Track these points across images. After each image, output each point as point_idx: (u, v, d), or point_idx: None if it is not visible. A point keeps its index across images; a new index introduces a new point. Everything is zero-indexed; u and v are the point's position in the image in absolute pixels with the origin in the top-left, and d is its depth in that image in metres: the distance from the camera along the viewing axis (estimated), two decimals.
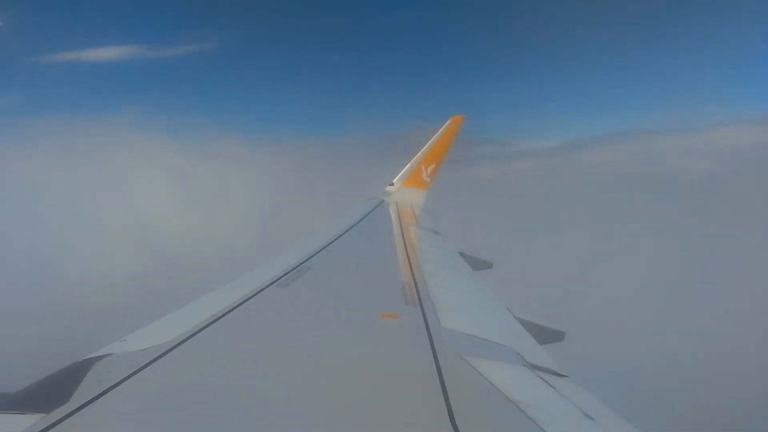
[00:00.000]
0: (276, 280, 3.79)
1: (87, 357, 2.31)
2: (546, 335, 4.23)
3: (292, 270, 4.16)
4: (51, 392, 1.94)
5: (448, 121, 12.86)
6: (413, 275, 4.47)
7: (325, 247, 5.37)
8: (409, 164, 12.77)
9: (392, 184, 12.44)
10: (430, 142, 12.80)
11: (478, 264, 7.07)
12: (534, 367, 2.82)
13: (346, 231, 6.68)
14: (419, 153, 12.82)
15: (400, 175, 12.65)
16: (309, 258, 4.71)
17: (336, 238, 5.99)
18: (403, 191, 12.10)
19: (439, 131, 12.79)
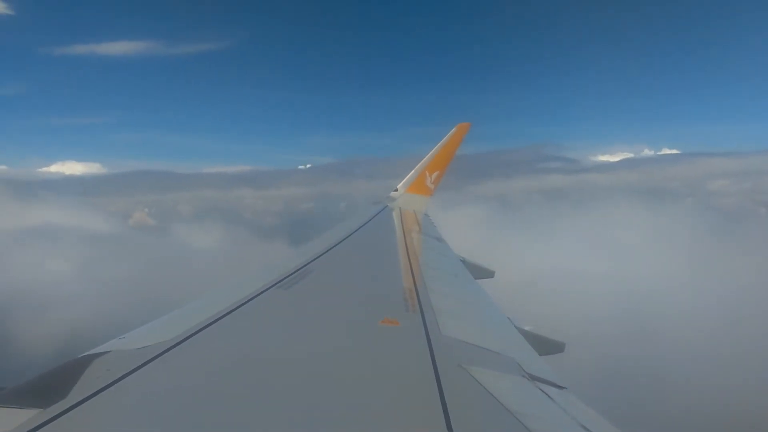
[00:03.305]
0: (277, 283, 3.78)
1: (86, 354, 2.31)
2: (546, 346, 4.20)
3: (294, 273, 4.15)
4: (49, 388, 1.94)
5: (454, 129, 12.76)
6: (414, 281, 4.46)
7: (327, 251, 5.36)
8: (413, 170, 12.68)
9: (396, 190, 12.39)
10: (435, 148, 12.69)
11: (480, 272, 7.05)
12: (533, 378, 2.80)
13: (349, 236, 6.67)
14: (424, 159, 12.72)
15: (404, 181, 12.58)
16: (311, 261, 4.70)
17: (338, 243, 5.99)
18: (407, 197, 12.04)
19: (445, 138, 12.69)
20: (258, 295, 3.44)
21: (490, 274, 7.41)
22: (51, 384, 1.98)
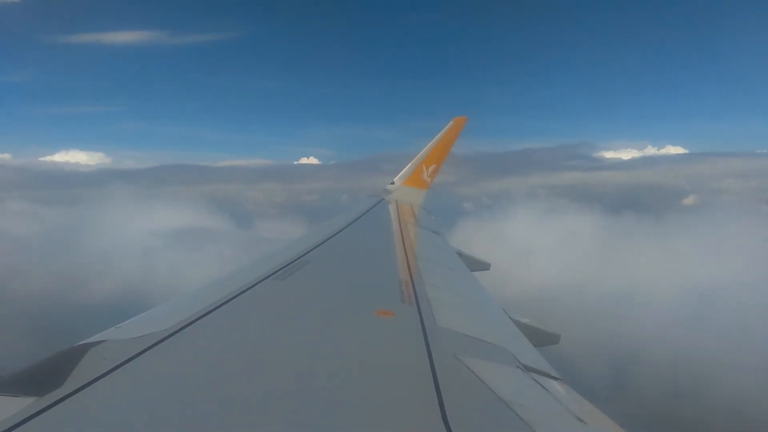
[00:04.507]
0: (273, 273, 3.78)
1: (82, 342, 2.31)
2: (541, 338, 4.23)
3: (290, 263, 4.15)
4: (45, 376, 1.94)
5: (451, 123, 12.76)
6: (410, 273, 4.47)
7: (323, 243, 5.36)
8: (410, 164, 12.69)
9: (393, 183, 12.39)
10: (432, 142, 12.70)
11: (476, 264, 7.07)
12: (528, 369, 2.81)
13: (345, 227, 6.67)
14: (420, 153, 12.72)
15: (401, 174, 12.59)
16: (307, 252, 4.70)
17: (334, 234, 5.99)
18: (403, 190, 12.04)
19: (441, 132, 12.69)
20: (254, 285, 3.44)
21: (485, 267, 7.44)
22: (47, 373, 1.98)
